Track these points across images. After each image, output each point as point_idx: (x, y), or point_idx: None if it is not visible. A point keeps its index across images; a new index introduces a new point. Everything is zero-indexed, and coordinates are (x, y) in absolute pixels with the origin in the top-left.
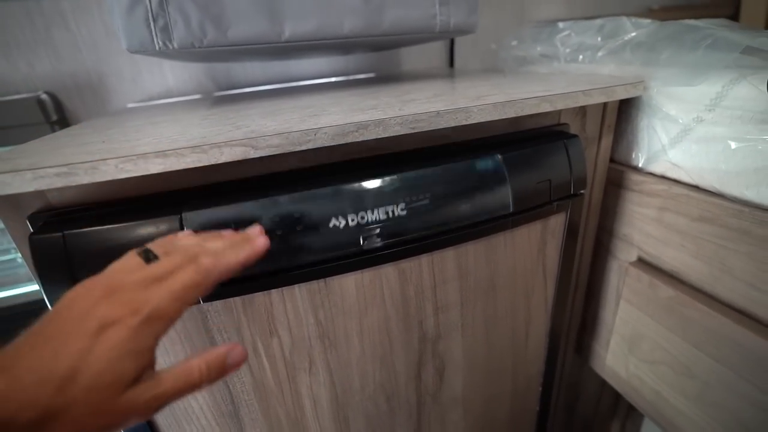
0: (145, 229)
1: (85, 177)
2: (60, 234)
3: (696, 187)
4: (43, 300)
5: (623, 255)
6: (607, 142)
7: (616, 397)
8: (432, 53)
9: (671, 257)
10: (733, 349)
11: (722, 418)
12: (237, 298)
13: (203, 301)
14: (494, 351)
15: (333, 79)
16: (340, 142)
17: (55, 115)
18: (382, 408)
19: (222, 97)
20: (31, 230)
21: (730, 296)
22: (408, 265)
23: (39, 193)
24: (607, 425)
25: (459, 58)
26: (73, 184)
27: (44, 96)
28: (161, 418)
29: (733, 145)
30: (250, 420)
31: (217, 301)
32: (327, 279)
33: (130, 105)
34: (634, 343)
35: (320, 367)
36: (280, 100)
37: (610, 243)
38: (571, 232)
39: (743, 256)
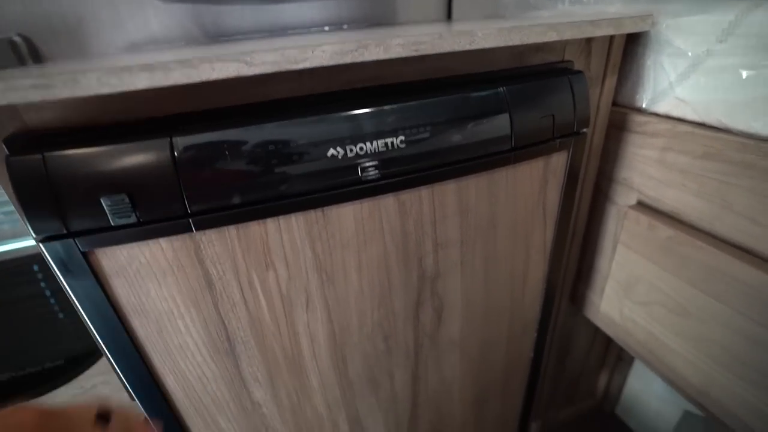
0: (132, 154)
1: (64, 90)
2: (39, 156)
3: (701, 125)
4: (25, 258)
5: (622, 200)
6: (611, 82)
7: (605, 349)
8: (428, 4)
9: (672, 198)
10: (729, 285)
11: (715, 353)
12: (231, 227)
13: (195, 229)
14: (492, 294)
15: (326, 28)
16: (339, 62)
17: (30, 59)
18: (379, 348)
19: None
20: (8, 153)
21: (730, 232)
22: (408, 197)
23: (13, 112)
24: (595, 376)
25: (457, 10)
26: (51, 97)
27: (17, 38)
28: (156, 355)
29: (745, 74)
30: (246, 357)
31: (210, 230)
32: (325, 209)
33: (112, 51)
34: (630, 287)
35: (318, 304)
36: (273, 40)
37: (609, 188)
38: (571, 178)
39: (745, 191)
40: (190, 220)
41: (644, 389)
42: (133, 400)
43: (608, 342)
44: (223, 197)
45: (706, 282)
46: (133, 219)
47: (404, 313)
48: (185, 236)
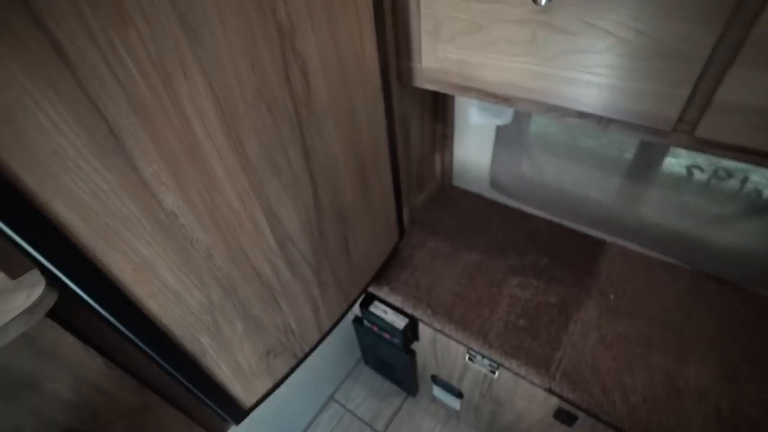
0: None
1: None
2: None
3: None
4: None
5: None
6: None
7: (433, 130)
8: None
9: None
10: None
11: (501, 48)
12: None
13: None
14: (341, 54)
15: None
16: None
17: None
18: (266, 120)
19: None
20: None
21: None
22: None
23: None
24: (432, 160)
25: None
26: None
27: None
28: (26, 172)
29: None
30: (140, 152)
31: None
32: None
33: None
34: (438, 30)
35: (194, 69)
36: None
37: None
38: None
39: None
40: None
41: (465, 154)
42: (27, 258)
43: (434, 123)
44: None
45: None
46: None
47: (277, 75)
48: None
